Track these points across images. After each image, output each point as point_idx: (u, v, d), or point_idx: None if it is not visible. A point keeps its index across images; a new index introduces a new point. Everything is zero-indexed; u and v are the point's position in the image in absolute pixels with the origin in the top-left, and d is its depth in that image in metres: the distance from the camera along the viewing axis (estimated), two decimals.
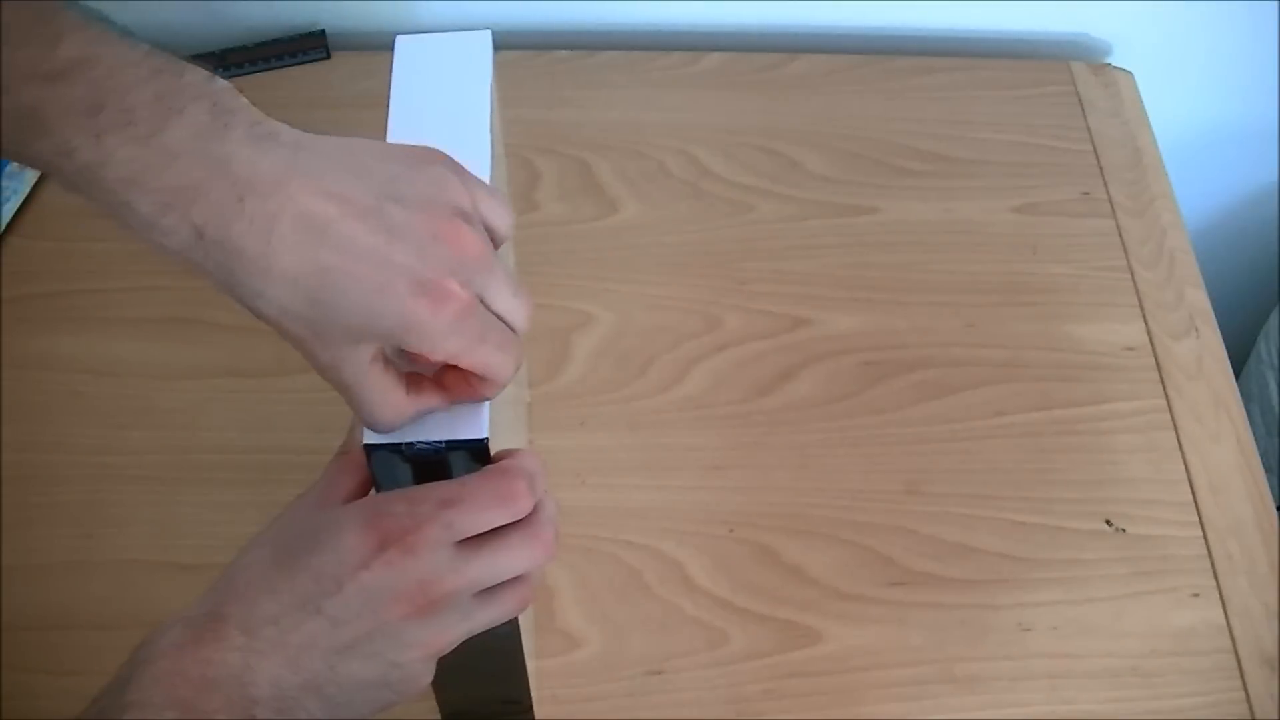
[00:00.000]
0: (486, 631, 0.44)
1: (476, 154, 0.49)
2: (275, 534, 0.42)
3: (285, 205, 0.37)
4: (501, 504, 0.42)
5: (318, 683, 0.40)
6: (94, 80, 0.35)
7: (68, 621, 0.66)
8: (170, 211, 0.37)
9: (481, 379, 0.43)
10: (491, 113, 0.52)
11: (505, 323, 0.42)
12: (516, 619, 0.48)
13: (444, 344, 0.40)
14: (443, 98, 0.51)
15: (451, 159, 0.43)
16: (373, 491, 0.45)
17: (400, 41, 0.53)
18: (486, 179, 0.48)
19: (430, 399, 0.43)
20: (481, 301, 0.41)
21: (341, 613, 0.40)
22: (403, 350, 0.42)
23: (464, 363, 0.41)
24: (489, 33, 0.54)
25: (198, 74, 0.38)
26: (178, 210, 0.37)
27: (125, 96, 0.36)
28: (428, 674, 0.43)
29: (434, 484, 0.42)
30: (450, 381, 0.43)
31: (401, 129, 0.50)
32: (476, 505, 0.41)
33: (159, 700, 0.38)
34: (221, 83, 0.38)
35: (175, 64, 0.37)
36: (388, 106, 0.50)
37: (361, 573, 0.40)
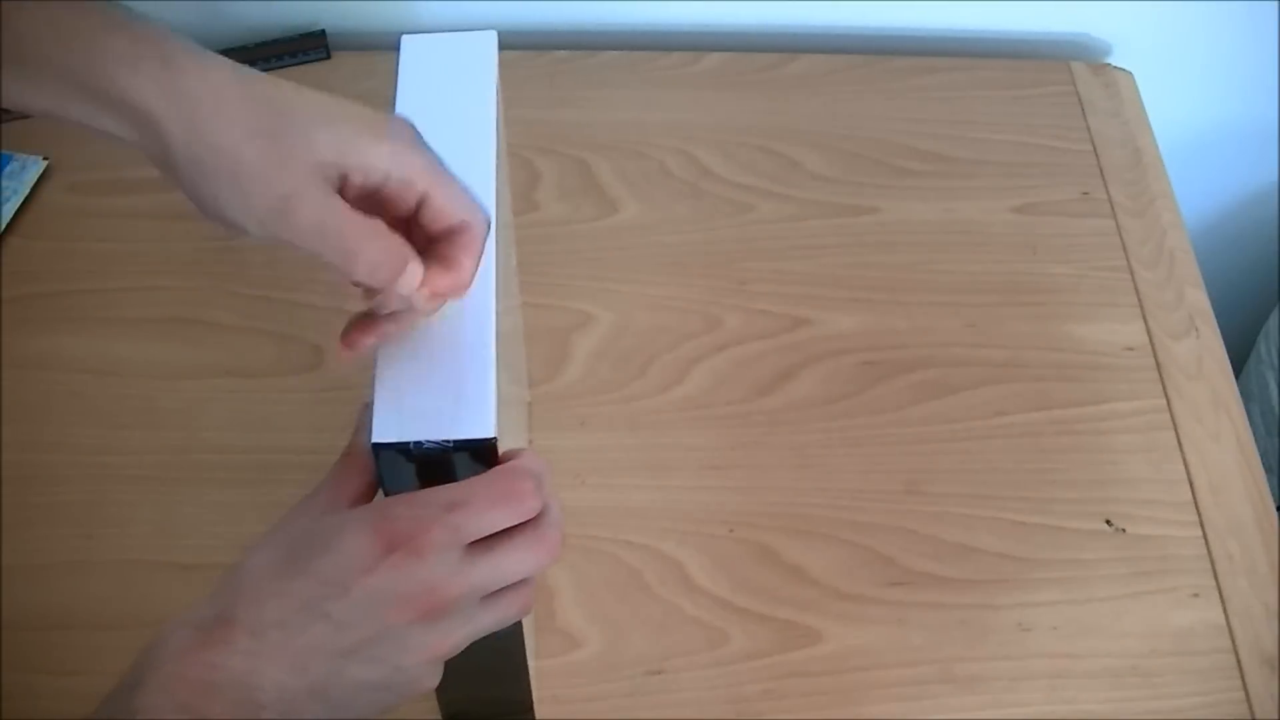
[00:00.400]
0: (489, 633, 0.44)
1: (482, 152, 0.50)
2: (281, 537, 0.42)
3: (253, 76, 0.42)
4: (507, 504, 0.42)
5: (322, 686, 0.40)
6: None
7: (68, 621, 0.66)
8: (153, 47, 0.39)
9: (455, 237, 0.44)
10: (497, 112, 0.52)
11: None
12: (520, 620, 0.48)
13: (415, 156, 0.43)
14: (448, 97, 0.52)
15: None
16: (379, 494, 0.45)
17: (406, 41, 0.54)
18: (492, 178, 0.49)
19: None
20: None
21: (347, 616, 0.40)
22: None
23: (438, 183, 0.43)
24: (494, 33, 0.54)
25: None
26: (161, 49, 0.39)
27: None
28: (432, 677, 0.43)
29: (439, 488, 0.42)
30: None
31: None
32: (482, 506, 0.41)
33: (167, 705, 0.38)
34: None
35: None
36: (392, 106, 0.50)
37: (367, 577, 0.40)
